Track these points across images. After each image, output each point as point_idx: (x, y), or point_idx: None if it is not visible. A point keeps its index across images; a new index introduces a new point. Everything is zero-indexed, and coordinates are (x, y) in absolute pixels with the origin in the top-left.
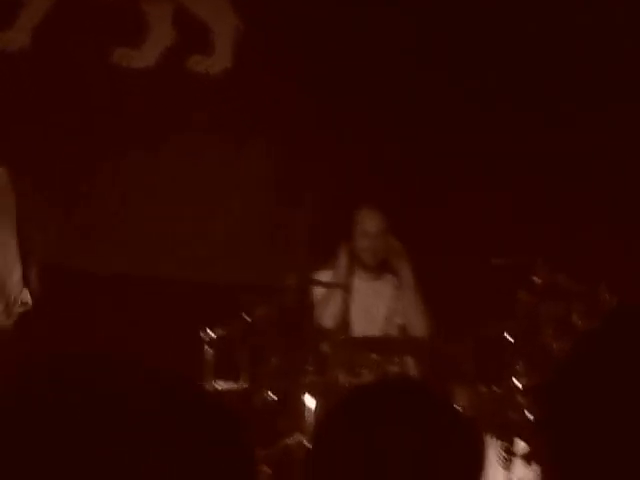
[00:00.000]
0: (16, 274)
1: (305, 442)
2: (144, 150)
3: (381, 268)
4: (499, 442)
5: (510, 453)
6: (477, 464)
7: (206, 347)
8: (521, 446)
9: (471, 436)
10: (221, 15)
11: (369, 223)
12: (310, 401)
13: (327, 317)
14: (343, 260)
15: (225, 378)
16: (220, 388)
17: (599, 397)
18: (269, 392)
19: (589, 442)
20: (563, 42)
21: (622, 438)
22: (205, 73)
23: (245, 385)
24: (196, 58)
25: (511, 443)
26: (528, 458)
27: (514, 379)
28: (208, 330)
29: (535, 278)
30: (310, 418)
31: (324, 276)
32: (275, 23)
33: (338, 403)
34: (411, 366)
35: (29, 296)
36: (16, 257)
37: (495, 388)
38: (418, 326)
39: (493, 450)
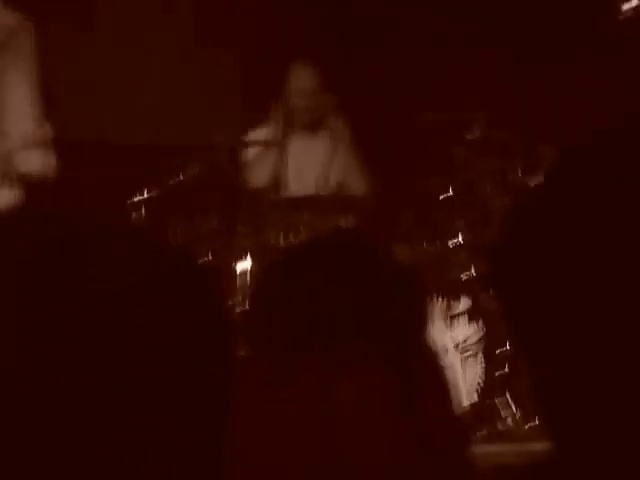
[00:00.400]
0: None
1: (237, 305)
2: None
3: (316, 125)
4: (441, 301)
5: (453, 311)
6: (421, 319)
7: (139, 210)
8: (464, 304)
9: (414, 290)
10: None
11: (303, 80)
12: (244, 263)
13: (260, 177)
14: (276, 118)
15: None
16: None
17: (548, 252)
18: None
19: (541, 300)
20: None
21: (573, 292)
22: None
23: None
24: None
25: (454, 301)
26: (471, 315)
27: (456, 236)
28: (141, 192)
29: (469, 135)
30: (244, 281)
31: (257, 135)
32: None
33: (275, 262)
34: (347, 225)
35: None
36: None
37: (435, 245)
38: (355, 184)
39: (436, 309)
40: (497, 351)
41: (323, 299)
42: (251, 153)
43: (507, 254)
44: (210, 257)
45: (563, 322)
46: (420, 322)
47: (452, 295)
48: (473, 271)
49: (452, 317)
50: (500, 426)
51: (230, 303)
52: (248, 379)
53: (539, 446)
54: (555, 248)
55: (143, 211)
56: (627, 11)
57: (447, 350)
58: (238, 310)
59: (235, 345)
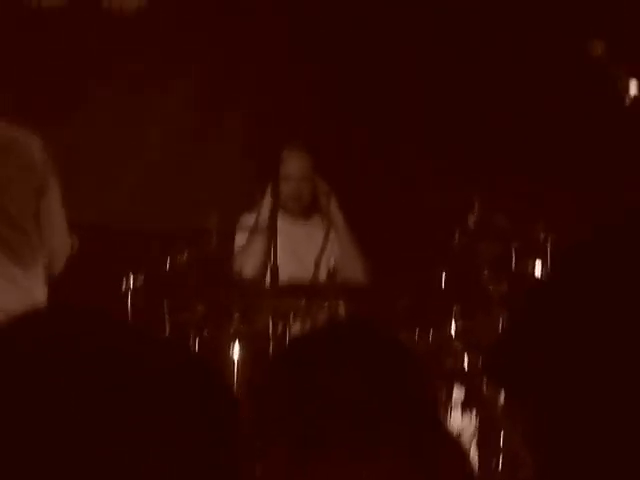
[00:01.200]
0: None
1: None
2: (57, 92)
3: (309, 211)
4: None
5: (449, 400)
6: (433, 403)
7: (128, 295)
8: (459, 393)
9: (424, 375)
10: None
11: (294, 165)
12: (235, 350)
13: (252, 263)
14: (268, 203)
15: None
16: None
17: (557, 350)
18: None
19: (556, 401)
20: None
21: (577, 385)
22: (119, 10)
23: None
24: None
25: (450, 390)
26: (466, 404)
27: (452, 323)
28: (129, 278)
29: (471, 218)
30: (235, 367)
31: (249, 219)
32: None
33: (283, 351)
34: (343, 312)
35: None
36: None
37: (431, 333)
38: (350, 270)
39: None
40: (492, 441)
41: (334, 390)
42: (243, 238)
43: (511, 346)
44: (199, 344)
45: (569, 416)
46: (433, 406)
47: (447, 384)
48: (467, 360)
49: (447, 407)
50: None
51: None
52: (263, 473)
53: None
54: (558, 341)
55: (133, 296)
56: (626, 101)
57: None
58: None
59: (246, 438)
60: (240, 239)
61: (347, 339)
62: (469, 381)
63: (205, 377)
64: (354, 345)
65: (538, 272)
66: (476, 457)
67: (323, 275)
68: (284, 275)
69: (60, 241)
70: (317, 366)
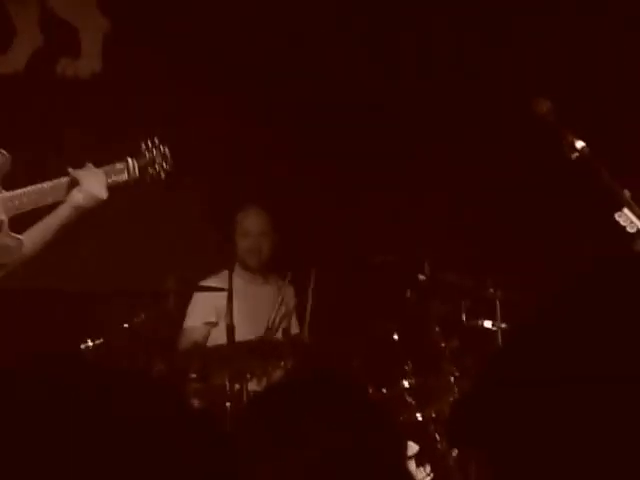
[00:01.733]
0: None
1: None
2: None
3: (267, 269)
4: None
5: None
6: (399, 455)
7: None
8: (412, 448)
9: (390, 428)
10: (88, 16)
11: (251, 222)
12: None
13: (206, 322)
14: (226, 262)
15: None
16: None
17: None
18: None
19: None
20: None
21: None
22: (74, 76)
23: None
24: (64, 61)
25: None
26: (419, 459)
27: (404, 379)
28: (87, 340)
29: (421, 276)
30: None
31: (206, 280)
32: (143, 24)
33: (253, 406)
34: (298, 369)
35: None
36: None
37: (384, 389)
38: (304, 328)
39: None
40: None
41: (301, 441)
42: (200, 298)
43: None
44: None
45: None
46: (399, 458)
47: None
48: (420, 415)
49: None
50: None
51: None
52: None
53: None
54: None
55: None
56: (575, 156)
57: None
58: None
59: None
60: (198, 298)
61: (313, 391)
62: (423, 435)
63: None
64: (320, 396)
65: (489, 326)
66: None
67: (279, 334)
68: (240, 334)
69: None
70: (282, 418)
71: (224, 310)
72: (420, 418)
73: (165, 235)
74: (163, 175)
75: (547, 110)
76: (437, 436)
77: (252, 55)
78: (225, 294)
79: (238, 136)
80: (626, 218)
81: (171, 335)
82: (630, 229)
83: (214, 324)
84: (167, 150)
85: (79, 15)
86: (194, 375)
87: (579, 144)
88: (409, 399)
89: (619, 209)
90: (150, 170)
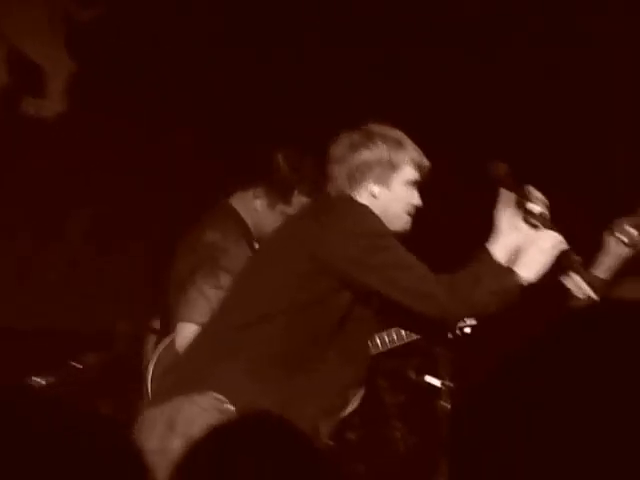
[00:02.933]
0: None
1: None
2: None
3: None
4: None
5: None
6: None
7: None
8: None
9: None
10: (55, 57)
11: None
12: None
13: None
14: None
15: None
16: None
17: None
18: None
19: None
20: None
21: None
22: (37, 116)
23: None
24: (28, 100)
25: None
26: None
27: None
28: (36, 378)
29: None
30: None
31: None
32: (110, 65)
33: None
34: None
35: None
36: None
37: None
38: None
39: None
40: None
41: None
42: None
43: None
44: None
45: None
46: None
47: None
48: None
49: None
50: None
51: None
52: None
53: None
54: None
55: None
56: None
57: None
58: None
59: None
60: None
61: (262, 436)
62: None
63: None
64: (265, 439)
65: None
66: None
67: None
68: None
69: None
70: (231, 463)
71: None
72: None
73: (119, 275)
74: None
75: (504, 173)
76: None
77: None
78: None
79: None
80: (575, 283)
81: (120, 378)
82: (578, 294)
83: None
84: None
85: (46, 55)
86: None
87: (536, 209)
88: (354, 452)
89: (567, 274)
90: None
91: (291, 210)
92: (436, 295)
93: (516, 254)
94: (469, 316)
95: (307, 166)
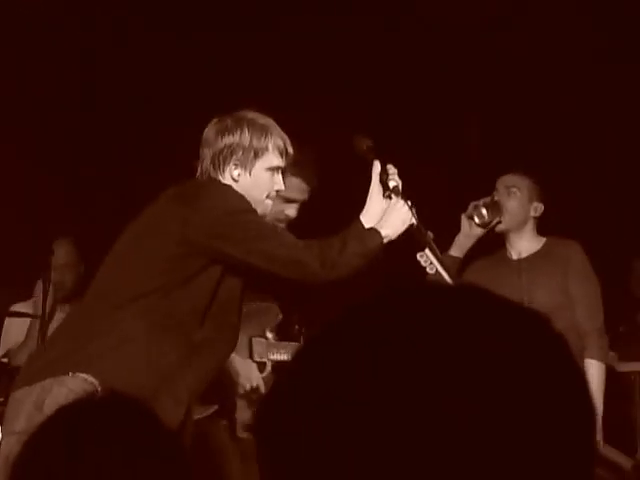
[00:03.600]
0: None
1: None
2: None
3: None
4: None
5: None
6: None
7: None
8: None
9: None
10: None
11: (58, 254)
12: None
13: (23, 351)
14: (39, 291)
15: None
16: None
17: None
18: None
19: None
20: None
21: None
22: None
23: None
24: None
25: None
26: None
27: None
28: None
29: None
30: None
31: (22, 307)
32: None
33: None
34: None
35: None
36: None
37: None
38: None
39: None
40: None
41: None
42: (11, 324)
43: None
44: None
45: None
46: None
47: None
48: None
49: None
50: None
51: None
52: None
53: None
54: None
55: None
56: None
57: None
58: None
59: None
60: (9, 325)
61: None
62: None
63: None
64: (112, 420)
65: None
66: None
67: None
68: None
69: None
70: (80, 441)
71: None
72: None
73: None
74: None
75: (367, 148)
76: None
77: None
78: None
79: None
80: (427, 259)
81: None
82: (430, 270)
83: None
84: None
85: None
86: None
87: (392, 184)
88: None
89: (422, 250)
90: None
91: None
92: (304, 261)
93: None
94: (336, 278)
95: None
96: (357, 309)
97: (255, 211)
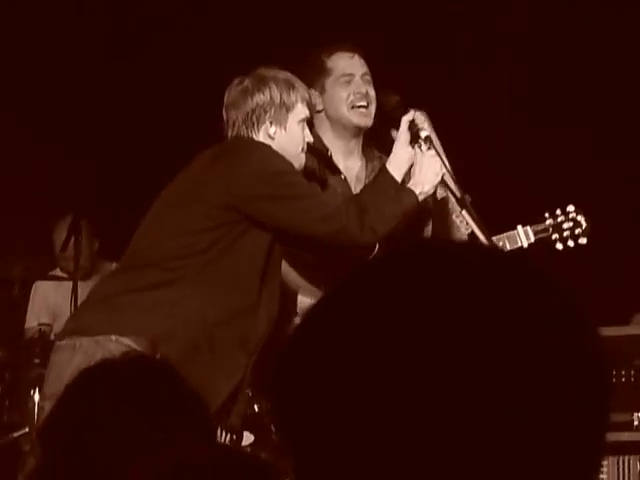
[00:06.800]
0: None
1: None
2: None
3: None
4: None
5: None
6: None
7: None
8: (247, 439)
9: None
10: None
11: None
12: (37, 394)
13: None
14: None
15: None
16: None
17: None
18: None
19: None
20: None
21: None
22: None
23: None
24: None
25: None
26: (254, 450)
27: None
28: None
29: None
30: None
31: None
32: None
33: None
34: None
35: None
36: None
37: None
38: None
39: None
40: None
41: (113, 425)
42: (35, 298)
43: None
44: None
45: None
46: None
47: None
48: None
49: None
50: None
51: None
52: None
53: None
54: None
55: None
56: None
57: None
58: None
59: None
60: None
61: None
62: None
63: None
64: (129, 379)
65: None
66: None
67: None
68: None
69: None
70: (96, 402)
71: (59, 310)
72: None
73: (13, 216)
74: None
75: (396, 104)
76: (273, 428)
77: None
78: (63, 294)
79: None
80: (462, 219)
81: (14, 322)
82: (466, 230)
83: (48, 326)
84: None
85: None
86: (37, 360)
87: (423, 133)
88: (247, 391)
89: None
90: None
91: None
92: (345, 226)
93: (410, 173)
94: (373, 241)
95: None
96: (371, 267)
97: (298, 172)
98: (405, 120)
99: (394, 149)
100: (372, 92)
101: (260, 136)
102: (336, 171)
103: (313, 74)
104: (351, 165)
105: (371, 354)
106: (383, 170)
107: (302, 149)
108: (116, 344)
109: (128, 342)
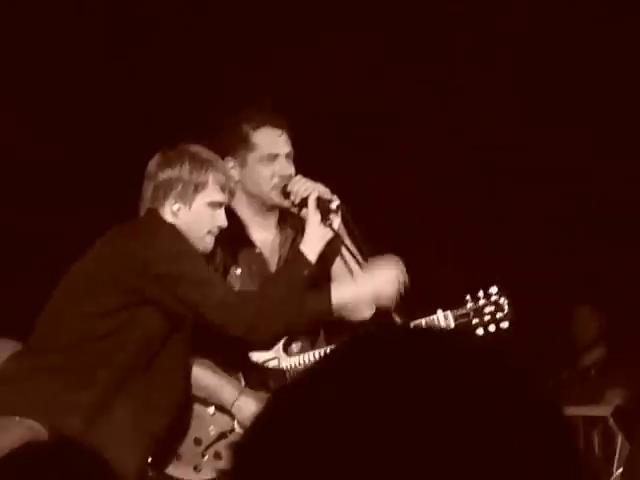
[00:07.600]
0: None
1: None
2: None
3: None
4: None
5: None
6: None
7: None
8: None
9: None
10: None
11: None
12: None
13: None
14: None
15: None
16: None
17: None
18: None
19: None
20: None
21: None
22: None
23: None
24: None
25: None
26: None
27: None
28: None
29: None
30: None
31: None
32: None
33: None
34: None
35: None
36: None
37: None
38: None
39: None
40: None
41: None
42: None
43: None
44: None
45: None
46: None
47: None
48: None
49: None
50: None
51: None
52: None
53: None
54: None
55: None
56: None
57: None
58: None
59: None
60: None
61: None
62: None
63: None
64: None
65: None
66: None
67: None
68: None
69: None
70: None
71: None
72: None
73: None
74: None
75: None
76: None
77: None
78: None
79: None
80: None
81: None
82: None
83: None
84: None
85: None
86: None
87: (334, 205)
88: None
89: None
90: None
91: None
92: (233, 321)
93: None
94: (263, 339)
95: None
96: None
97: (198, 255)
98: (312, 199)
99: (306, 229)
100: (293, 171)
101: (165, 211)
102: (251, 245)
103: (235, 142)
104: (266, 237)
105: (328, 451)
106: (297, 254)
107: (209, 232)
108: (18, 425)
109: (31, 424)
